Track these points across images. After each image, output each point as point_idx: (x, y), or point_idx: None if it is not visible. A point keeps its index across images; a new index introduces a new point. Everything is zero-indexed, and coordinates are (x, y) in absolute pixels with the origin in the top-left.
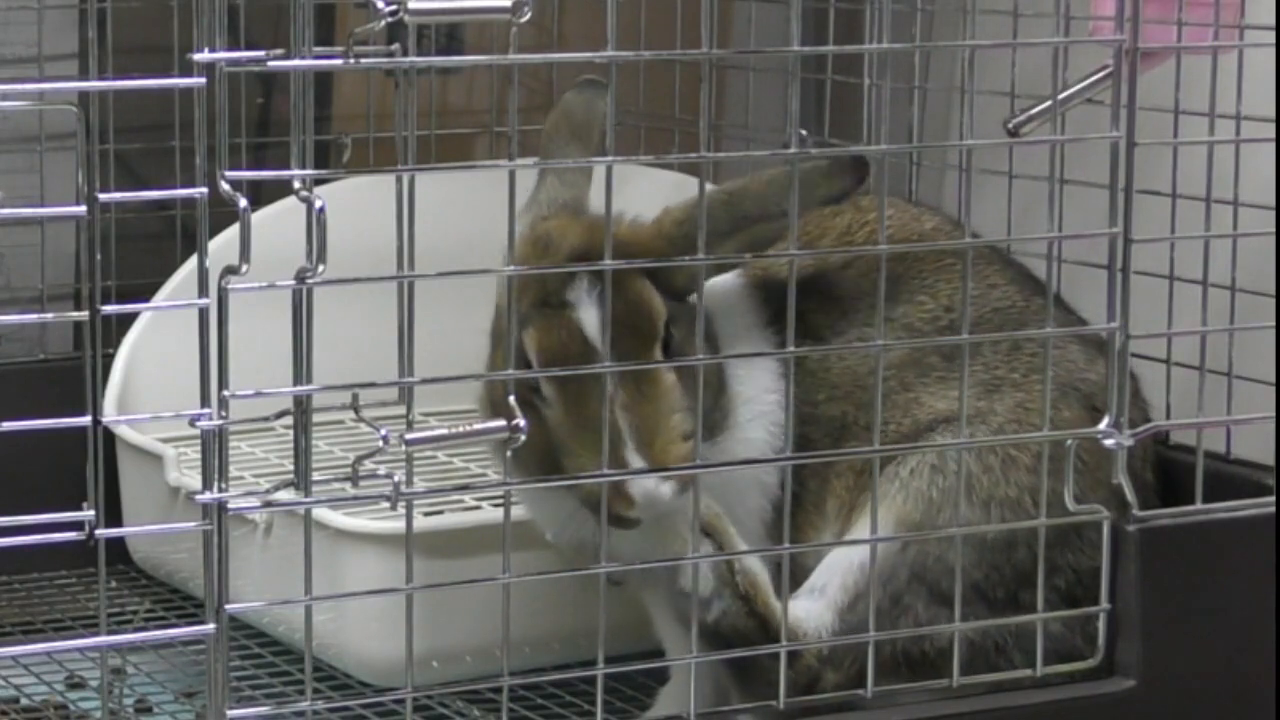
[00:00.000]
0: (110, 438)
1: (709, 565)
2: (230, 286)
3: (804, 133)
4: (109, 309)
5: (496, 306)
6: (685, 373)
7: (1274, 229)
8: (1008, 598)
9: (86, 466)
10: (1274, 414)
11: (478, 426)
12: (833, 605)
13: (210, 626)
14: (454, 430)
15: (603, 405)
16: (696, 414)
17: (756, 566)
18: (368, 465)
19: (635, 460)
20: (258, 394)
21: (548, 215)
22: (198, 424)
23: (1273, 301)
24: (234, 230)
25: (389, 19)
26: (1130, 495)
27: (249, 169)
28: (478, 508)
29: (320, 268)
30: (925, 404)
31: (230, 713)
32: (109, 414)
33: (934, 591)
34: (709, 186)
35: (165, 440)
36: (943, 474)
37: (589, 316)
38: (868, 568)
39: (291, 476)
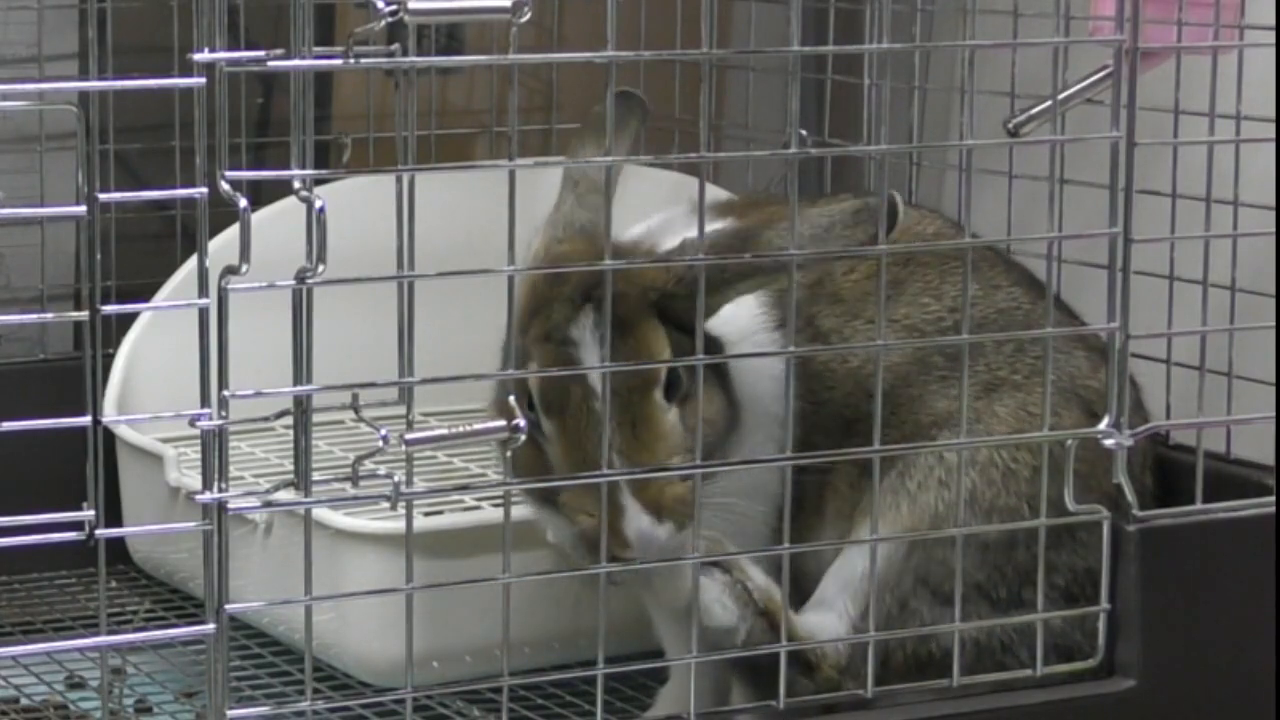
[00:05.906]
0: (110, 438)
1: (729, 595)
2: (230, 286)
3: (804, 133)
4: (109, 309)
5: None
6: (689, 410)
7: (1274, 229)
8: (1010, 597)
9: (86, 466)
10: (1274, 414)
11: (478, 426)
12: (844, 617)
13: (210, 626)
14: (454, 430)
15: (601, 445)
16: (697, 441)
17: (766, 581)
18: (368, 465)
19: (630, 505)
20: (258, 394)
21: (563, 238)
22: (198, 424)
23: (1273, 301)
24: (234, 230)
25: (389, 19)
26: (1130, 495)
27: (249, 169)
28: (478, 508)
29: (320, 268)
30: (927, 403)
31: (230, 713)
32: (109, 414)
33: (938, 594)
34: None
35: (165, 440)
36: (949, 488)
37: (591, 358)
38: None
39: (291, 476)
